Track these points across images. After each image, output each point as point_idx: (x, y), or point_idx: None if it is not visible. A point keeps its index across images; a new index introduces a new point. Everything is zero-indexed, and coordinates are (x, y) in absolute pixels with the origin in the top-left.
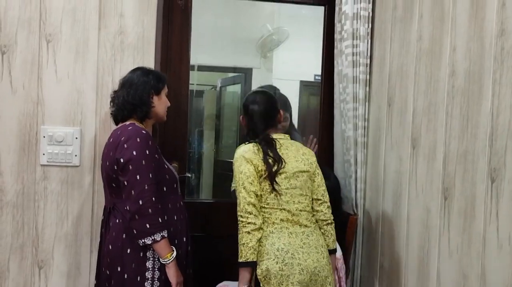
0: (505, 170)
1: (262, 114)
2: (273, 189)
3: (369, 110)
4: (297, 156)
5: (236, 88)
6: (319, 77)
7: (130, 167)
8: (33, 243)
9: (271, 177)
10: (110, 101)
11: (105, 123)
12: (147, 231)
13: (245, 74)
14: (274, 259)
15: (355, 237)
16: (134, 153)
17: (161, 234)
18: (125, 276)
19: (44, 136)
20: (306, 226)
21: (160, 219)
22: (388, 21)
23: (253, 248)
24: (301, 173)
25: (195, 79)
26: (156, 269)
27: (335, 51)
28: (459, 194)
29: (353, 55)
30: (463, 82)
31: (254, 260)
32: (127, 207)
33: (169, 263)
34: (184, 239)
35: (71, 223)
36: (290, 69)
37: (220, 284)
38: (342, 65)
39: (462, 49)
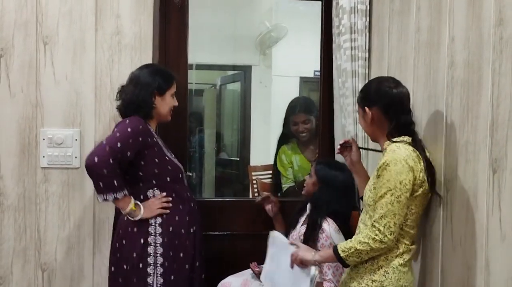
0: (507, 160)
1: (409, 101)
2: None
3: None
4: None
5: (236, 86)
6: (319, 73)
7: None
8: (36, 246)
9: (431, 194)
10: (117, 93)
11: (104, 124)
12: (100, 189)
13: (245, 71)
14: None
15: None
16: (117, 128)
17: (114, 195)
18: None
19: (43, 139)
20: None
21: (115, 182)
22: (386, 14)
23: (357, 260)
24: None
25: (194, 78)
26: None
27: (333, 45)
28: (461, 185)
29: (351, 49)
30: (462, 73)
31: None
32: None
33: (135, 217)
34: (192, 230)
35: (73, 225)
36: (290, 66)
37: (224, 280)
38: (340, 59)
39: (461, 39)
